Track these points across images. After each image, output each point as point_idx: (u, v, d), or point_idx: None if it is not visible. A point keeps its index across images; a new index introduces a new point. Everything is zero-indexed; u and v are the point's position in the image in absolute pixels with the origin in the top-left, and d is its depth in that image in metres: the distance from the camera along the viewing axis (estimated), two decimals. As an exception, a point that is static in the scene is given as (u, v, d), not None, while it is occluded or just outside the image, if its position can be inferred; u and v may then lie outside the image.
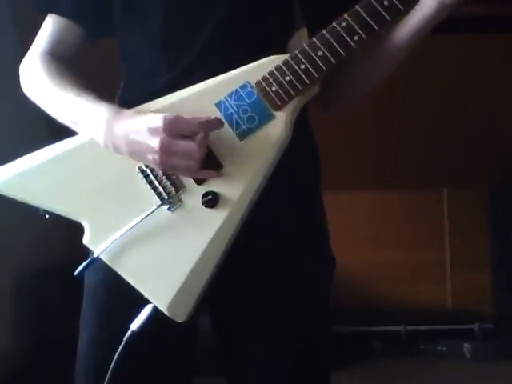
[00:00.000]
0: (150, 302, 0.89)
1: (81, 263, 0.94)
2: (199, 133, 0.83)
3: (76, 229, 0.94)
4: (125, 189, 0.91)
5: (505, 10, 2.88)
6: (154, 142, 0.83)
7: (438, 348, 3.12)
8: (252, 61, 0.91)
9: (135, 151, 0.86)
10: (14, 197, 0.95)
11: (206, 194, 0.87)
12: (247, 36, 0.96)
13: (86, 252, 0.94)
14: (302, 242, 1.00)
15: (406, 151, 3.42)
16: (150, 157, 0.85)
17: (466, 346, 3.08)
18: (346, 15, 0.88)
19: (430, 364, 2.98)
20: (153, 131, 0.83)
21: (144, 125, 0.84)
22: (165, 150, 0.82)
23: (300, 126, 0.98)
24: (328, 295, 1.05)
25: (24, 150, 0.99)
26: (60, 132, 0.97)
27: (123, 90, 1.05)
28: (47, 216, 0.94)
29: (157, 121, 0.83)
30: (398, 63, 1.00)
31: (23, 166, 0.96)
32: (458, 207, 3.66)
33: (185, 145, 0.82)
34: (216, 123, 0.86)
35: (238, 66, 0.91)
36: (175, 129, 0.83)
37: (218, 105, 0.89)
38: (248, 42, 0.96)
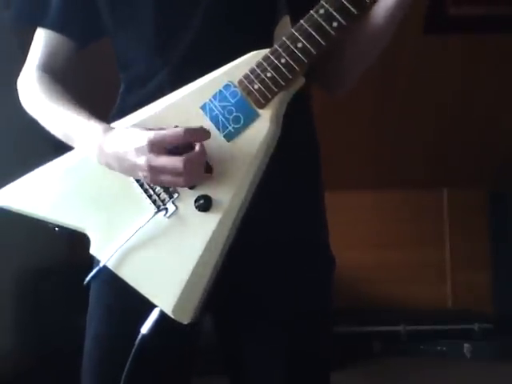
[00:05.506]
0: (156, 306, 0.89)
1: (83, 267, 0.96)
2: (187, 143, 0.83)
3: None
4: (123, 198, 0.92)
5: (506, 10, 2.89)
6: (141, 161, 0.85)
7: (438, 348, 3.11)
8: (239, 53, 0.88)
9: (126, 169, 0.89)
10: (23, 213, 0.98)
11: (198, 199, 0.87)
12: (233, 27, 0.95)
13: (86, 252, 0.95)
14: (300, 241, 0.99)
15: (406, 151, 3.43)
16: (140, 174, 0.87)
17: (466, 346, 3.08)
18: (322, 1, 0.84)
19: (430, 364, 2.98)
20: (139, 151, 0.85)
21: (130, 145, 0.86)
22: (152, 169, 0.84)
23: (301, 123, 0.97)
24: (329, 295, 1.04)
25: (27, 161, 1.01)
26: (62, 146, 1.00)
27: (124, 93, 1.05)
28: (57, 229, 0.96)
29: (142, 140, 0.84)
30: (392, 31, 0.96)
31: (30, 184, 0.99)
32: (458, 207, 3.66)
33: (171, 163, 0.83)
34: (202, 133, 0.85)
35: (228, 59, 0.89)
36: (160, 146, 0.84)
37: (203, 107, 0.88)
38: (234, 32, 0.95)
